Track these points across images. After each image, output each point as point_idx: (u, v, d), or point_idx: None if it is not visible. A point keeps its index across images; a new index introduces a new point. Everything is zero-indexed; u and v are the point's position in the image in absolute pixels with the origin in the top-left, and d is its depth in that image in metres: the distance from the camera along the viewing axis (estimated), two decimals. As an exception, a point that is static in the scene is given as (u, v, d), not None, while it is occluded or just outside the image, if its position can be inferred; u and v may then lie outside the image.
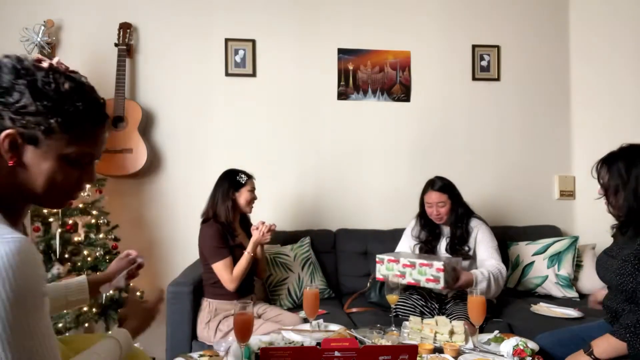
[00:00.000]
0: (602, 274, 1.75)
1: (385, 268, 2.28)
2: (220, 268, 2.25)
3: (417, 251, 2.62)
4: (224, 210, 2.33)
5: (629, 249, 1.61)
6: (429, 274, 2.17)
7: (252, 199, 2.41)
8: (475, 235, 2.54)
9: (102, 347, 1.13)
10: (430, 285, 2.18)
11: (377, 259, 2.31)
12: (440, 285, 2.14)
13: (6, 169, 0.86)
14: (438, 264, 2.15)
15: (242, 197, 2.37)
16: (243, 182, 2.37)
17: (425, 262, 2.19)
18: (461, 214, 2.56)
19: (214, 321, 2.26)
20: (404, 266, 2.24)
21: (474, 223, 2.56)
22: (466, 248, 2.52)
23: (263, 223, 2.31)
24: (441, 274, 2.13)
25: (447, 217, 2.54)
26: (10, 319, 0.75)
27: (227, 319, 2.25)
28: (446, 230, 2.61)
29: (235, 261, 2.28)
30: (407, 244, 2.68)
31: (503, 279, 2.37)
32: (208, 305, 2.30)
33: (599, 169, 1.72)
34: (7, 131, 0.83)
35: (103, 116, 0.94)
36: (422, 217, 2.65)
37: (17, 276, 0.76)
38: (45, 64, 0.88)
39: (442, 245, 2.59)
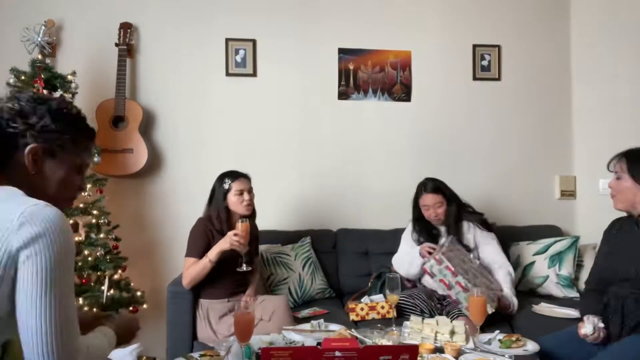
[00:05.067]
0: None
1: (439, 270, 2.26)
2: (185, 263, 2.27)
3: None
4: (216, 215, 2.34)
5: None
6: None
7: (243, 201, 2.34)
8: (473, 234, 2.56)
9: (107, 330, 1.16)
10: (467, 313, 2.16)
11: (436, 257, 2.27)
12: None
13: (28, 178, 1.04)
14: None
15: (231, 202, 2.35)
16: (227, 187, 2.34)
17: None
18: (458, 209, 2.57)
19: (207, 321, 2.26)
20: (457, 284, 2.24)
21: (467, 224, 2.57)
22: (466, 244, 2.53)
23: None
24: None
25: (445, 217, 2.54)
26: (57, 275, 0.91)
27: (222, 319, 2.24)
28: (444, 230, 2.61)
29: (230, 266, 2.23)
30: (407, 247, 2.67)
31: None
32: (201, 305, 2.32)
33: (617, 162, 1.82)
34: (31, 146, 1.03)
35: (94, 133, 1.19)
36: (418, 221, 2.64)
37: (67, 236, 0.94)
38: (55, 95, 1.11)
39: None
